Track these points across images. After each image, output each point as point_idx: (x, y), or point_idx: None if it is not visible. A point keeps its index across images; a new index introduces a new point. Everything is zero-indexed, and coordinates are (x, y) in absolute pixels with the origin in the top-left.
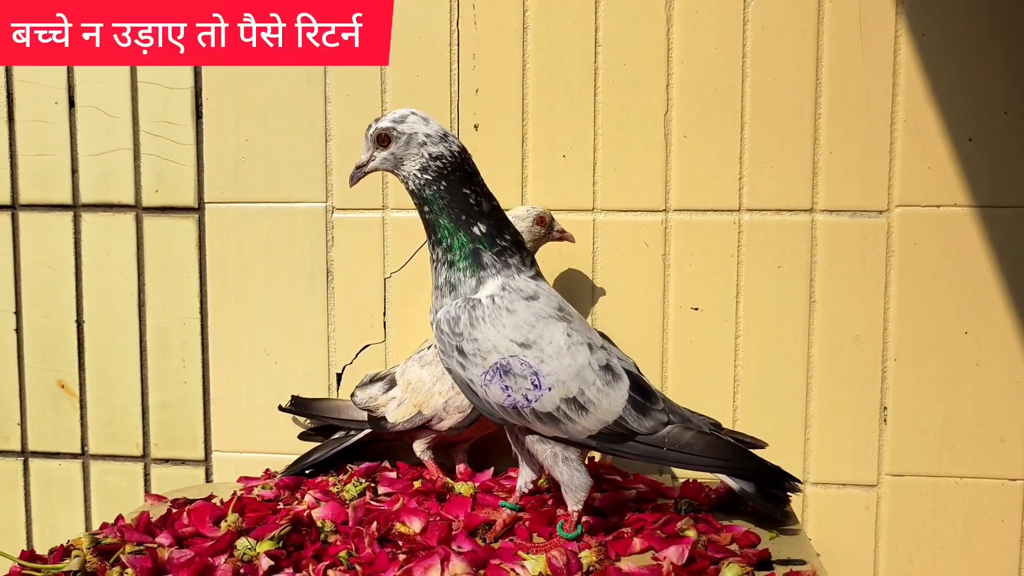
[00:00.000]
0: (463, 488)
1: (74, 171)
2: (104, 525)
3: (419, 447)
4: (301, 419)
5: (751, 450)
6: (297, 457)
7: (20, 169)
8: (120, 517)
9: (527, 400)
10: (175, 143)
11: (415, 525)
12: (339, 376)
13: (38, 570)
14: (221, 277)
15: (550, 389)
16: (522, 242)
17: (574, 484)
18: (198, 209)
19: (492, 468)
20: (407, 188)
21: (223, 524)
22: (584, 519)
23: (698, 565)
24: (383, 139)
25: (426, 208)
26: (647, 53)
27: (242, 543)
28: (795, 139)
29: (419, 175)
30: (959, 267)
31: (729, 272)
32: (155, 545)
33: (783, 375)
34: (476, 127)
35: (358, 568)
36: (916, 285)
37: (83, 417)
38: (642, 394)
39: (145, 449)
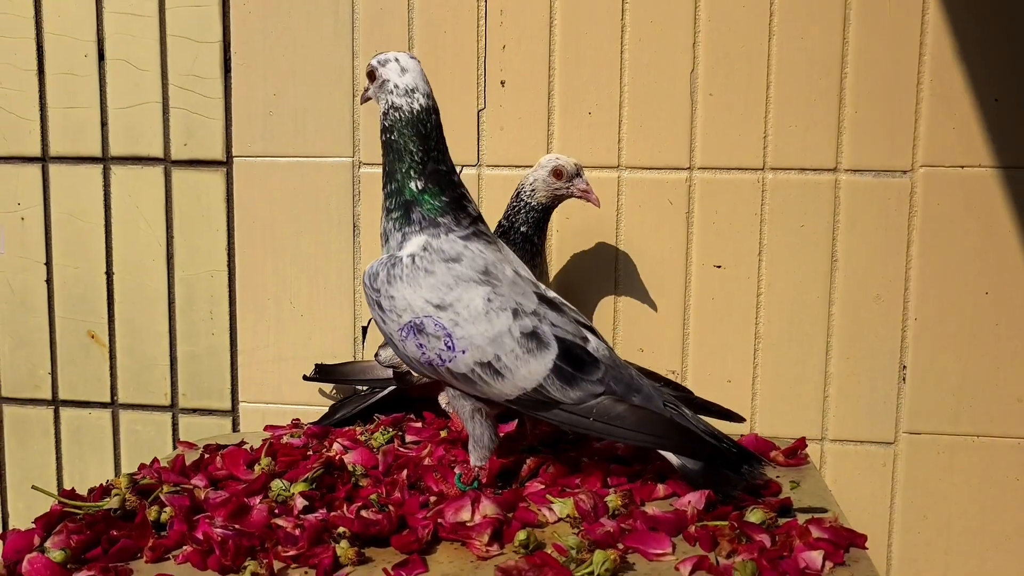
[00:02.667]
0: None
1: (103, 124)
2: (142, 466)
3: (443, 400)
4: (327, 387)
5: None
6: (324, 412)
7: (50, 122)
8: (156, 460)
9: (441, 360)
10: (204, 97)
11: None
12: (364, 329)
13: (79, 508)
14: (249, 230)
15: (464, 352)
16: (464, 204)
17: (482, 443)
18: (226, 163)
19: (516, 420)
20: None
21: (256, 467)
22: (482, 475)
23: (721, 510)
24: (371, 75)
25: (383, 153)
26: (674, 11)
27: (276, 484)
28: (820, 98)
29: (381, 119)
30: (981, 228)
31: (752, 230)
32: (191, 486)
33: (804, 333)
34: (503, 83)
35: (390, 509)
36: (938, 245)
37: (112, 367)
38: (573, 364)
39: (173, 399)
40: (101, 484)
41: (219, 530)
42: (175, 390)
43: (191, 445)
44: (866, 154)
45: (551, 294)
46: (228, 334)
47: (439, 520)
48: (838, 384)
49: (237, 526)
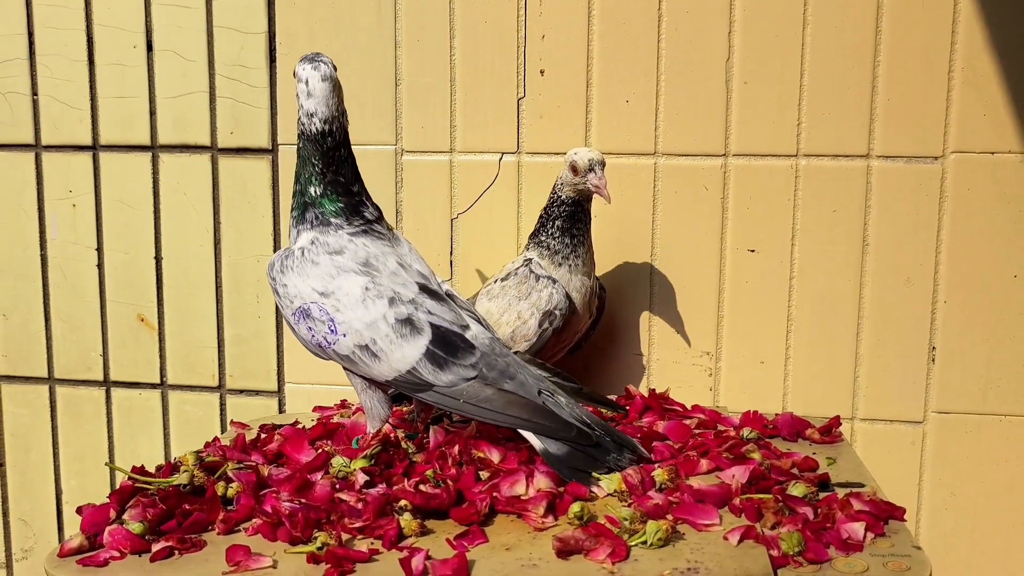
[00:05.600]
0: None
1: (152, 113)
2: (207, 444)
3: None
4: None
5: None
6: None
7: (100, 111)
8: (217, 439)
9: (327, 342)
10: (249, 86)
11: (494, 456)
12: None
13: (148, 484)
14: None
15: (345, 335)
16: (360, 209)
17: (373, 413)
18: (272, 150)
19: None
20: None
21: (316, 445)
22: (372, 437)
23: (764, 484)
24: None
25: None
26: (710, 0)
27: (337, 461)
28: (853, 86)
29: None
30: (1011, 213)
31: (785, 215)
32: (254, 463)
33: (835, 315)
34: (542, 72)
35: (449, 483)
36: (967, 230)
37: (162, 349)
38: (446, 349)
39: (221, 380)
40: (169, 461)
41: (287, 504)
42: (222, 371)
43: (244, 425)
44: (898, 140)
45: (443, 288)
46: (274, 317)
47: (494, 494)
48: (868, 365)
49: (303, 500)
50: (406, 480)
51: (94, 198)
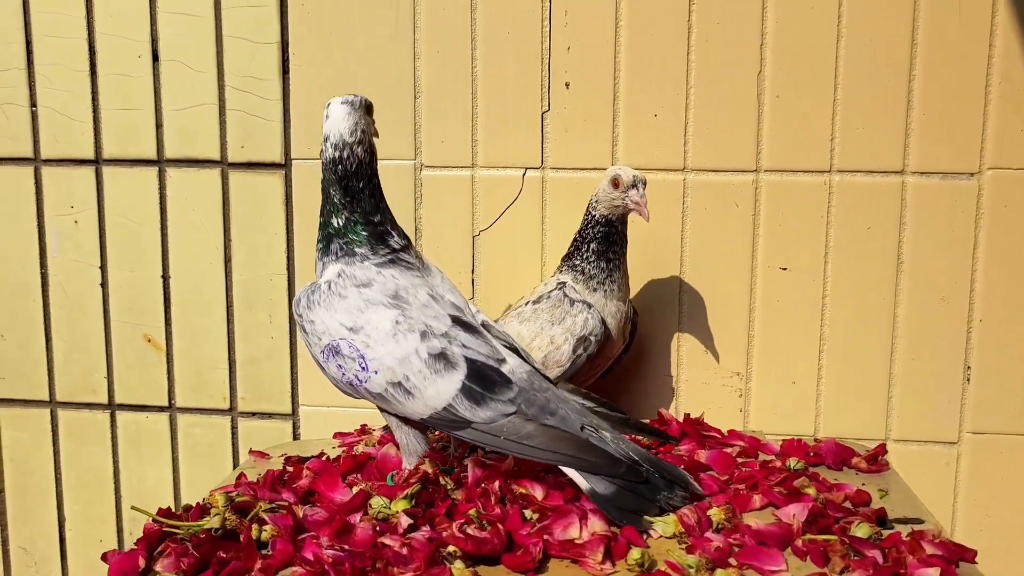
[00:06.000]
0: None
1: (158, 126)
2: (238, 482)
3: None
4: None
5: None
6: None
7: (103, 124)
8: (243, 475)
9: (358, 380)
10: (261, 98)
11: (537, 492)
12: None
13: (177, 528)
14: (308, 233)
15: (376, 372)
16: (385, 238)
17: (409, 450)
18: (284, 165)
19: None
20: None
21: (354, 488)
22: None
23: (824, 523)
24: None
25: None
26: (742, 12)
27: (376, 502)
28: (888, 100)
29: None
30: None
31: (818, 232)
32: (286, 503)
33: (869, 334)
34: (567, 85)
35: (499, 527)
36: (1004, 247)
37: (170, 371)
38: (483, 384)
39: (232, 403)
40: (198, 503)
41: (329, 551)
42: (234, 394)
43: (263, 454)
44: (933, 156)
45: (478, 318)
46: (288, 337)
47: (546, 536)
48: (902, 385)
49: (346, 546)
50: (453, 524)
51: (97, 214)
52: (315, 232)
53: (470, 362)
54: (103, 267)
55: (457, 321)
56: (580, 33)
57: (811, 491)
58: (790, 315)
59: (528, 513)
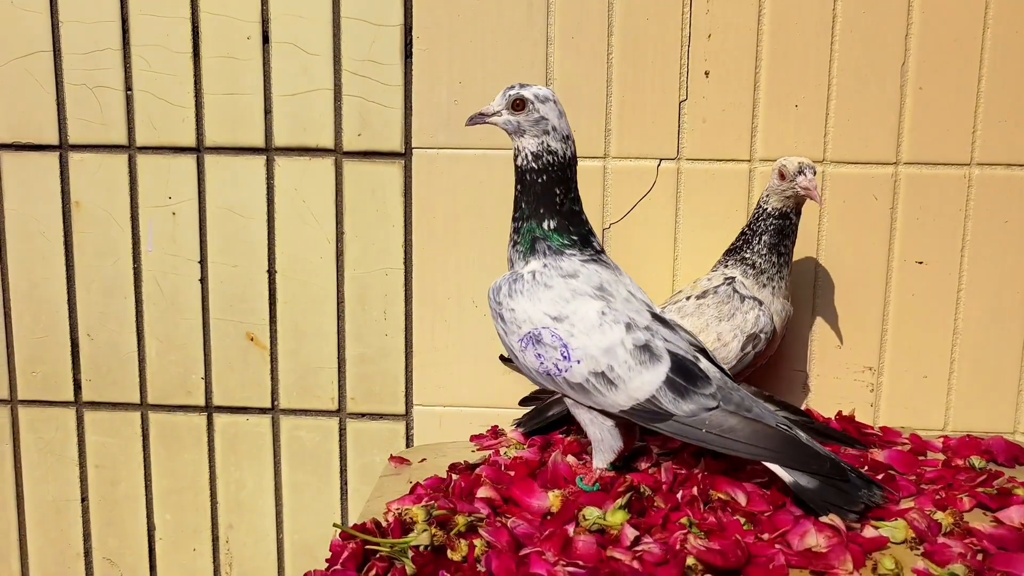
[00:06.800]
0: None
1: (267, 112)
2: (415, 493)
3: None
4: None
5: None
6: (528, 412)
7: (206, 109)
8: (418, 484)
9: (558, 369)
10: (381, 84)
11: (740, 497)
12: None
13: (379, 545)
14: (429, 226)
15: (579, 362)
16: (589, 239)
17: (604, 445)
18: (404, 154)
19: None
20: (515, 160)
21: (551, 495)
22: (601, 476)
23: None
24: (519, 104)
25: (519, 187)
26: (887, 1)
27: (590, 512)
28: None
29: (530, 157)
30: None
31: (956, 226)
32: (482, 514)
33: (1002, 328)
34: (707, 74)
35: (739, 538)
36: None
37: (274, 371)
38: (686, 377)
39: (340, 403)
40: (396, 517)
41: (567, 568)
42: (342, 394)
43: (402, 460)
44: None
45: (667, 315)
46: (403, 335)
47: (778, 546)
48: None
49: (580, 562)
50: (667, 533)
51: (197, 205)
52: (436, 224)
53: (672, 355)
54: (203, 261)
55: (655, 316)
56: (722, 20)
57: (1021, 492)
58: (925, 309)
59: (741, 520)
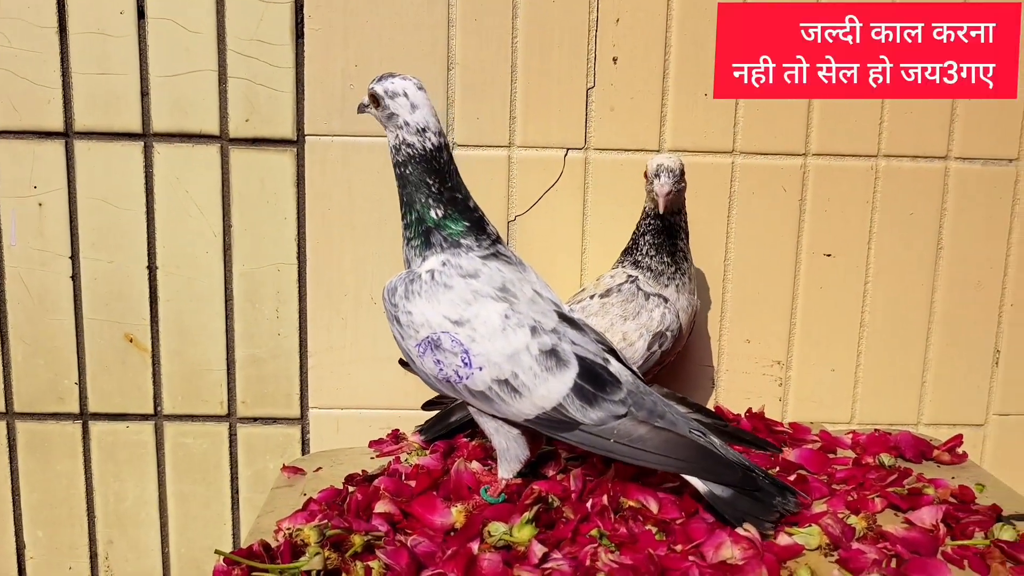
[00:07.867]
0: None
1: (144, 94)
2: (308, 509)
3: None
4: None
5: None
6: (431, 418)
7: (75, 90)
8: (312, 500)
9: (458, 376)
10: (270, 66)
11: (651, 505)
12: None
13: (266, 571)
14: (323, 218)
15: (481, 368)
16: (483, 226)
17: (510, 455)
18: (296, 142)
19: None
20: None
21: (454, 511)
22: (507, 486)
23: (960, 527)
24: (374, 99)
25: (397, 183)
26: None
27: (496, 528)
28: None
29: (393, 152)
30: None
31: (863, 218)
32: (381, 532)
33: (907, 320)
34: (615, 60)
35: (652, 552)
36: None
37: (156, 374)
38: (594, 383)
39: (230, 408)
40: (287, 538)
41: None
42: (232, 398)
43: (296, 470)
44: (975, 143)
45: (575, 315)
46: (297, 334)
47: (692, 558)
48: (935, 370)
49: None
50: (574, 546)
51: (67, 195)
52: (332, 216)
53: (580, 359)
54: (74, 257)
55: (562, 317)
56: (630, 4)
57: (930, 491)
58: (832, 302)
59: (654, 530)
